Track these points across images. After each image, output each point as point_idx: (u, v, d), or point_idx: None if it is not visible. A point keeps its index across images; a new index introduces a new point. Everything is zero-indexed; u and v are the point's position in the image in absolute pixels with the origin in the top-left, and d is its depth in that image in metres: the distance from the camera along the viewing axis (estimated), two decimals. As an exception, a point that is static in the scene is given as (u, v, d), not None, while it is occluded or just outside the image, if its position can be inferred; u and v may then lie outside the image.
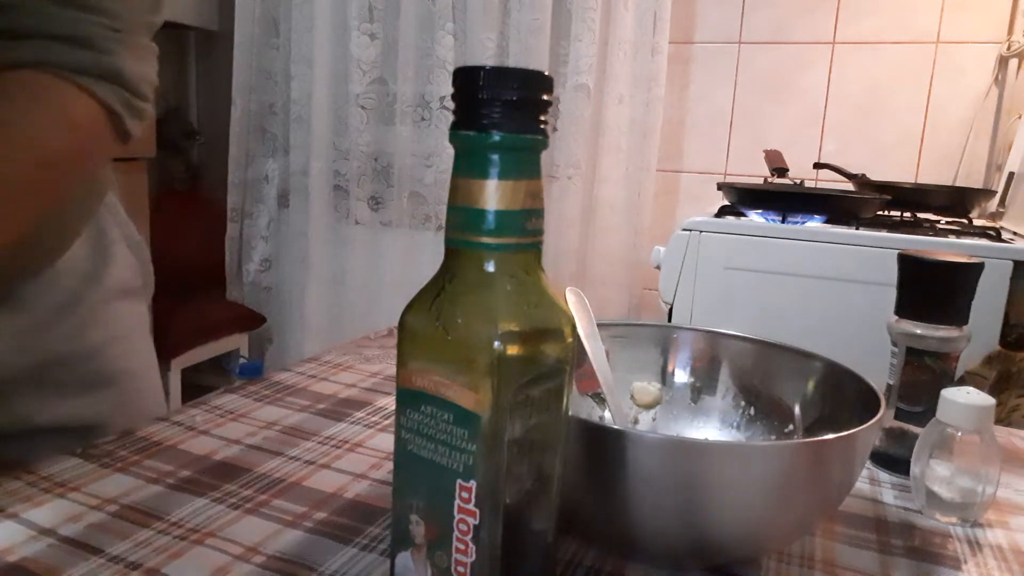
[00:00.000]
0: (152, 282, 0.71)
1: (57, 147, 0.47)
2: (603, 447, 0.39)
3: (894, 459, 0.58)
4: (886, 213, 1.39)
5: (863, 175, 1.55)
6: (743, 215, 1.33)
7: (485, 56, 1.90)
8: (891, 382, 0.59)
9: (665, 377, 0.60)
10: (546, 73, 0.30)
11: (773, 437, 0.54)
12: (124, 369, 0.66)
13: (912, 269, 0.57)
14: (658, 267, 1.31)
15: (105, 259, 0.65)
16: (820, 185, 1.74)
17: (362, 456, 0.55)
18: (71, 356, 0.62)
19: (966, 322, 0.56)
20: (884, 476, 0.58)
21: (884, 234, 1.17)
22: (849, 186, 1.56)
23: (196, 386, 2.38)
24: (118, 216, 0.68)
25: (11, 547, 0.41)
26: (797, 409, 0.54)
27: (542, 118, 0.30)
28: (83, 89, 0.48)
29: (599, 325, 0.59)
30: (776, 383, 0.55)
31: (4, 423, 0.58)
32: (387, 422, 0.62)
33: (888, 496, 0.55)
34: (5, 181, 0.45)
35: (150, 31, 0.53)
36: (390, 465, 0.53)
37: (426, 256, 2.10)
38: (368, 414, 0.63)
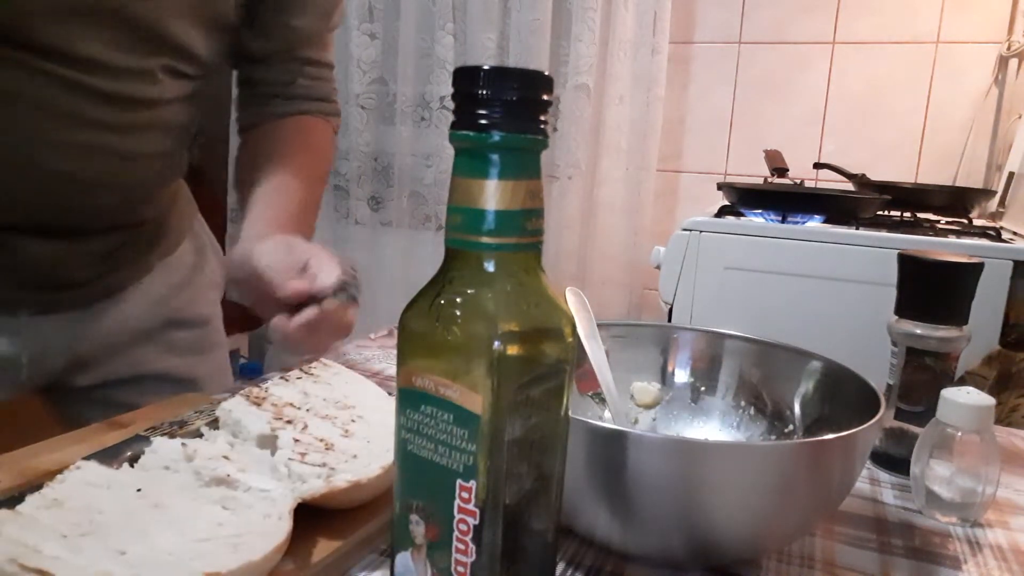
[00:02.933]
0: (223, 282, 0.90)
1: (328, 168, 0.82)
2: (603, 447, 0.39)
3: (894, 459, 0.58)
4: (886, 213, 1.39)
5: (863, 175, 1.55)
6: (743, 215, 1.33)
7: (485, 56, 1.89)
8: (891, 382, 0.59)
9: (665, 377, 0.60)
10: (546, 73, 0.30)
11: (773, 437, 0.54)
12: (219, 342, 0.88)
13: (912, 269, 0.57)
14: (658, 267, 1.31)
15: (203, 256, 0.86)
16: (820, 185, 1.74)
17: (362, 456, 0.55)
18: (185, 322, 0.81)
19: (966, 322, 0.56)
20: (884, 476, 0.58)
21: (884, 234, 1.17)
22: (849, 186, 1.56)
23: (196, 386, 2.38)
24: (205, 227, 0.89)
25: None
26: (797, 409, 0.54)
27: (542, 118, 0.30)
28: (329, 123, 0.81)
29: (599, 325, 0.59)
30: (776, 383, 0.55)
31: (124, 369, 0.77)
32: (387, 422, 0.62)
33: (888, 496, 0.55)
34: (317, 200, 0.78)
35: None
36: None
37: (426, 256, 2.10)
38: (368, 414, 0.63)
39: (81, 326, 0.73)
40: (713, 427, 0.57)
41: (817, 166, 1.65)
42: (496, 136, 0.29)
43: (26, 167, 0.61)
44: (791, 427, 0.53)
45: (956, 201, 1.42)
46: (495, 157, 0.30)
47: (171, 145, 0.71)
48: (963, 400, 0.50)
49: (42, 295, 0.70)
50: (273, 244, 0.64)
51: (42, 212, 0.65)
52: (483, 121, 0.29)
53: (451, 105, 0.30)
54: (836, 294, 1.16)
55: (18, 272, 0.67)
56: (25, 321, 0.70)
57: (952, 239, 1.18)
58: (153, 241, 0.78)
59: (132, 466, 0.44)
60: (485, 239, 0.30)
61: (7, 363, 0.70)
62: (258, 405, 0.50)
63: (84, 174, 0.64)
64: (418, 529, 0.32)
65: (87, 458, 0.44)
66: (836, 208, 1.28)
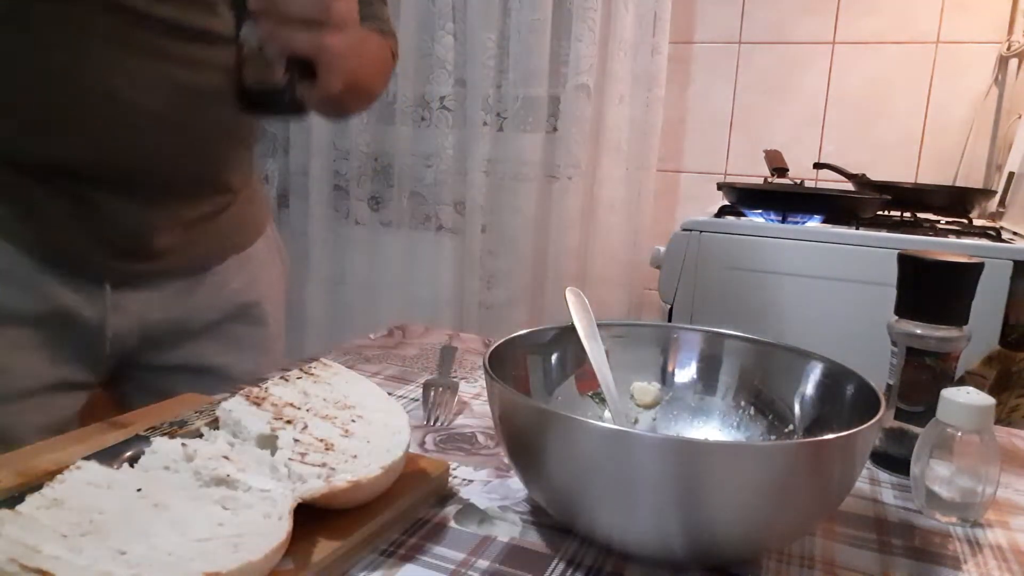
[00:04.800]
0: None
1: (384, 58, 0.84)
2: (603, 447, 0.39)
3: (894, 459, 0.58)
4: (886, 213, 1.39)
5: (863, 175, 1.55)
6: (743, 215, 1.33)
7: (485, 56, 1.89)
8: (891, 382, 0.59)
9: (665, 377, 0.60)
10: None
11: (773, 437, 0.54)
12: (279, 345, 0.91)
13: (912, 269, 0.57)
14: (658, 267, 1.31)
15: (273, 258, 0.91)
16: (820, 185, 1.74)
17: (362, 456, 0.55)
18: (251, 319, 0.86)
19: (966, 322, 0.56)
20: (884, 476, 0.58)
21: (884, 234, 1.17)
22: (849, 186, 1.56)
23: (196, 386, 2.37)
24: (277, 233, 0.95)
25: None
26: (797, 409, 0.54)
27: None
28: (385, 38, 0.84)
29: (599, 325, 0.59)
30: (776, 383, 0.55)
31: (190, 358, 0.82)
32: (387, 422, 0.62)
33: (888, 496, 0.55)
34: (371, 54, 0.78)
35: None
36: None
37: (426, 256, 2.10)
38: (368, 414, 0.63)
39: (157, 305, 0.78)
40: (713, 427, 0.57)
41: (817, 166, 1.65)
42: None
43: (103, 100, 0.66)
44: (791, 427, 0.53)
45: (956, 201, 1.42)
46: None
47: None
48: (963, 400, 0.50)
49: (127, 264, 0.74)
50: None
51: (124, 155, 0.70)
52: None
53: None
54: (836, 294, 1.16)
55: (106, 236, 0.72)
56: (109, 292, 0.74)
57: (952, 239, 1.18)
58: (230, 228, 0.83)
59: (132, 466, 0.44)
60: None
61: (94, 335, 0.75)
62: (258, 405, 0.50)
63: (156, 106, 0.68)
64: None
65: (87, 458, 0.43)
66: (836, 208, 1.28)
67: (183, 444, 0.44)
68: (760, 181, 1.64)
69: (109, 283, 0.74)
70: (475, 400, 0.70)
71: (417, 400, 0.69)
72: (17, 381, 0.71)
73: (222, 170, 0.80)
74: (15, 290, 0.70)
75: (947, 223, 1.36)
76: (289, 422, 0.48)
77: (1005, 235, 1.23)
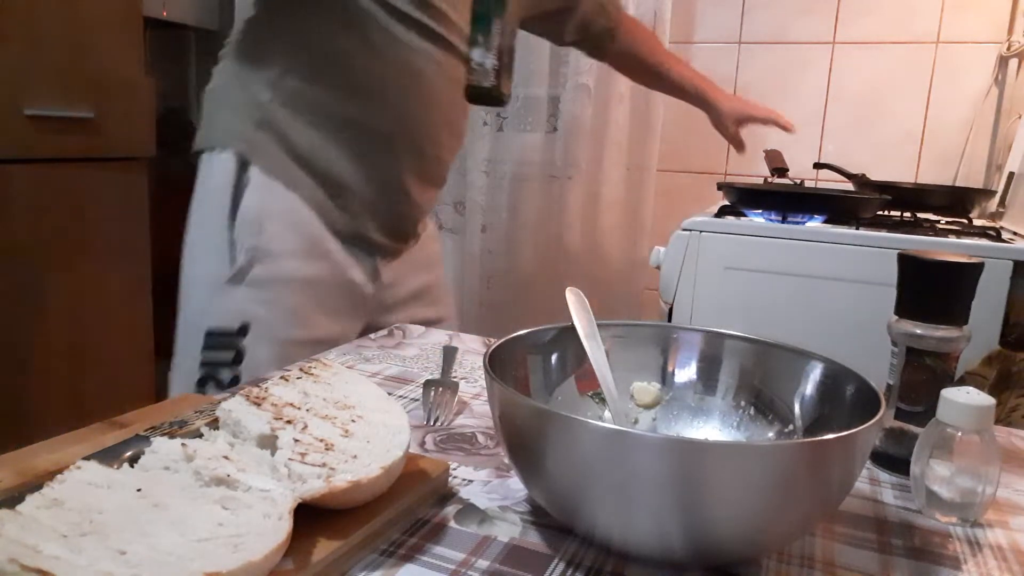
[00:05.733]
0: None
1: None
2: (603, 447, 0.39)
3: (894, 459, 0.58)
4: (886, 213, 1.39)
5: (863, 175, 1.55)
6: (743, 215, 1.33)
7: (485, 56, 1.89)
8: (891, 382, 0.59)
9: (665, 377, 0.60)
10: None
11: (773, 437, 0.54)
12: (448, 314, 1.15)
13: (912, 269, 0.57)
14: (658, 267, 1.31)
15: (431, 238, 1.12)
16: (820, 185, 1.73)
17: (362, 456, 0.55)
18: (428, 298, 1.10)
19: (966, 322, 0.56)
20: (884, 476, 0.58)
21: (884, 234, 1.17)
22: (849, 186, 1.56)
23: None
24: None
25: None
26: (797, 409, 0.54)
27: None
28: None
29: (599, 325, 0.59)
30: (776, 383, 0.55)
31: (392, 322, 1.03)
32: (387, 422, 0.62)
33: (888, 496, 0.55)
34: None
35: None
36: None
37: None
38: (368, 414, 0.63)
39: (389, 275, 1.01)
40: (713, 427, 0.57)
41: (817, 166, 1.65)
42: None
43: (429, 114, 0.94)
44: (791, 427, 0.53)
45: (956, 201, 1.42)
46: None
47: None
48: (963, 400, 0.50)
49: (393, 242, 1.00)
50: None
51: (427, 143, 0.97)
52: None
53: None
54: (836, 294, 1.16)
55: (403, 218, 0.99)
56: (377, 263, 0.99)
57: (952, 239, 1.18)
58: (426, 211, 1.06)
59: (132, 466, 0.43)
60: None
61: (364, 298, 0.98)
62: (258, 405, 0.50)
63: (438, 111, 0.94)
64: None
65: (87, 458, 0.43)
66: (836, 208, 1.28)
67: (183, 444, 0.44)
68: (760, 181, 1.64)
69: (379, 256, 0.99)
70: (475, 400, 0.70)
71: (417, 400, 0.69)
72: (319, 331, 0.92)
73: (446, 169, 1.04)
74: (324, 263, 0.93)
75: (947, 223, 1.36)
76: (289, 422, 0.48)
77: (1005, 235, 1.23)
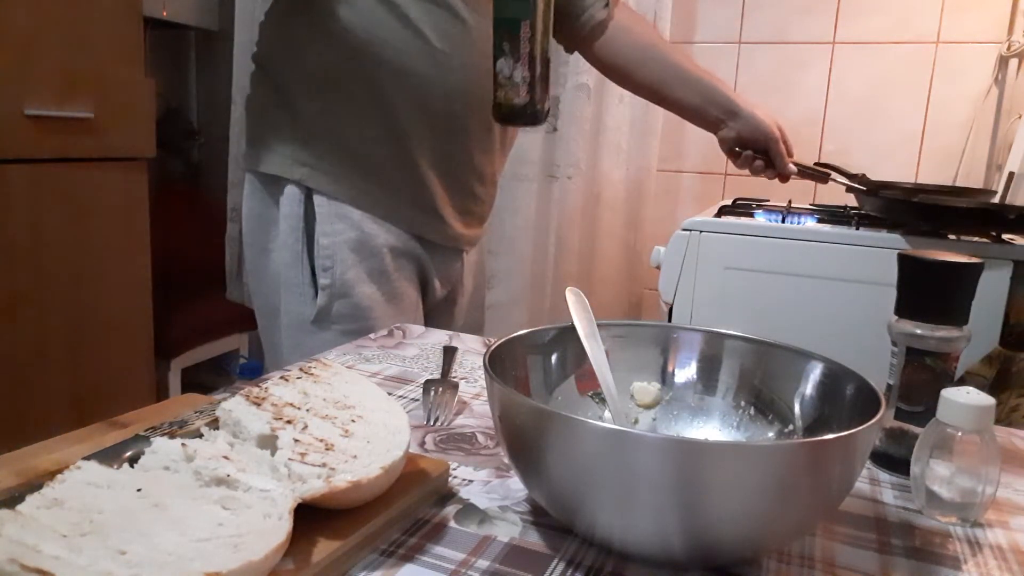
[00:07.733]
0: None
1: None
2: (603, 447, 0.39)
3: (894, 459, 0.58)
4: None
5: (863, 175, 1.55)
6: (743, 215, 1.33)
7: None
8: (891, 382, 0.59)
9: (665, 377, 0.60)
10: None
11: (773, 437, 0.54)
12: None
13: (912, 269, 0.57)
14: (658, 267, 1.31)
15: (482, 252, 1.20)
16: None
17: (362, 456, 0.55)
18: (480, 292, 1.23)
19: (966, 322, 0.56)
20: (884, 476, 0.58)
21: (884, 234, 1.17)
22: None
23: (196, 385, 2.38)
24: None
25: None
26: (797, 409, 0.54)
27: None
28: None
29: (599, 325, 0.59)
30: (776, 383, 0.55)
31: (455, 326, 1.12)
32: (387, 422, 0.62)
33: (888, 496, 0.55)
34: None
35: None
36: (390, 465, 0.53)
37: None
38: (368, 414, 0.63)
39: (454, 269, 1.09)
40: (713, 427, 0.57)
41: (817, 166, 1.64)
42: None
43: (479, 98, 0.89)
44: (791, 427, 0.53)
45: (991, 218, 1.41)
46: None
47: None
48: (963, 400, 0.50)
49: (468, 232, 1.06)
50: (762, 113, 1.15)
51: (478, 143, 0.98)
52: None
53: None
54: (836, 294, 1.16)
55: (477, 209, 1.05)
56: (449, 254, 1.06)
57: (952, 239, 1.18)
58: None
59: (132, 466, 0.43)
60: None
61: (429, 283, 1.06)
62: (258, 405, 0.50)
63: (484, 97, 0.84)
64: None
65: (87, 458, 0.43)
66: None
67: (183, 444, 0.44)
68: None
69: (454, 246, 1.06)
70: (475, 400, 0.70)
71: (417, 400, 0.69)
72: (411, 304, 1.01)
73: (499, 172, 1.09)
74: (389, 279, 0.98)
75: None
76: (289, 422, 0.48)
77: (1005, 235, 1.23)
